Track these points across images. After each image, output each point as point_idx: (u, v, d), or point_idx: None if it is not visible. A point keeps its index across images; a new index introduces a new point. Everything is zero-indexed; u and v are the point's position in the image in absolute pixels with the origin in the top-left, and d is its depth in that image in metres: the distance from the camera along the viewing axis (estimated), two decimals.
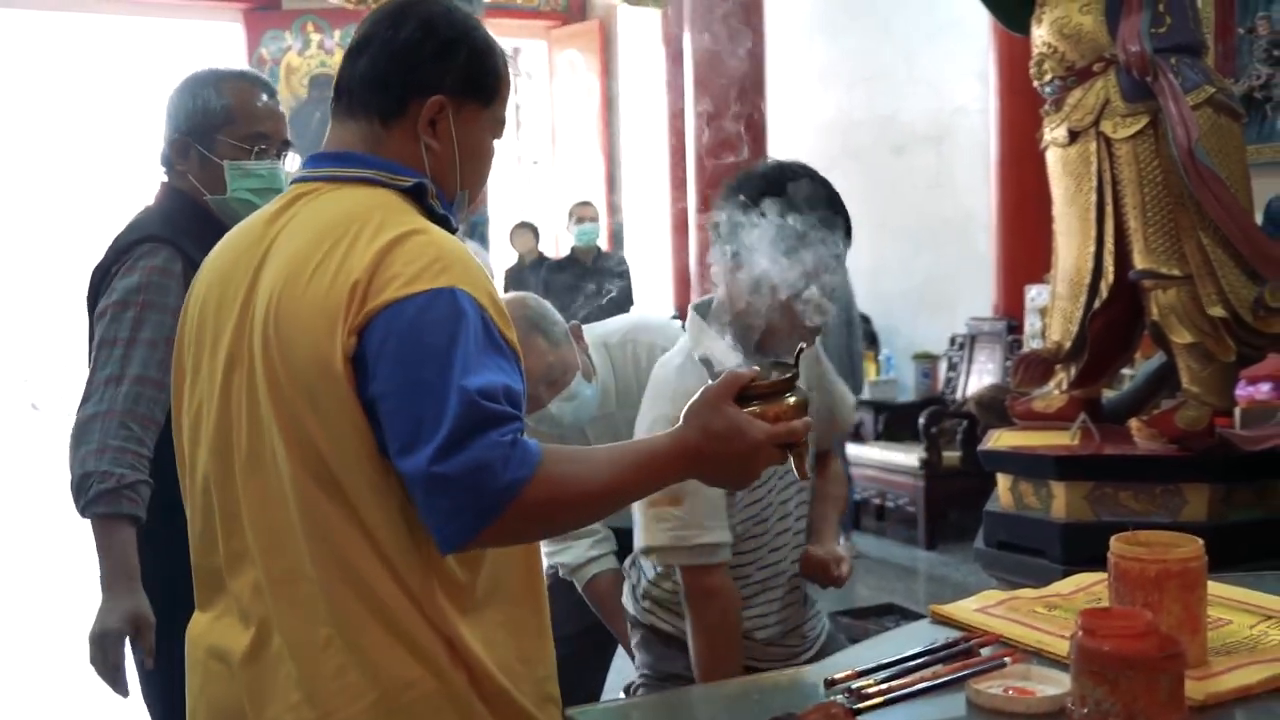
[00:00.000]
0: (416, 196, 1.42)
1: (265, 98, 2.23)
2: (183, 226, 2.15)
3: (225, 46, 10.20)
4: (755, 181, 1.98)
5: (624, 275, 6.62)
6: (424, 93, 1.43)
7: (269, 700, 1.36)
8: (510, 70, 1.54)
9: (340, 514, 1.33)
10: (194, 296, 1.51)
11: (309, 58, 9.56)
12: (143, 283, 2.05)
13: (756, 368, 1.38)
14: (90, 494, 1.89)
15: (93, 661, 1.93)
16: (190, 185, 2.20)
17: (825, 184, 2.08)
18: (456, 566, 1.36)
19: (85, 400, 1.98)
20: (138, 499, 1.91)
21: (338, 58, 9.43)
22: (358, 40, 1.47)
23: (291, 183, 1.49)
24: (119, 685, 1.95)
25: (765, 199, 1.89)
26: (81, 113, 15.65)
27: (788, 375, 1.37)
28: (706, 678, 1.79)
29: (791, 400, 1.35)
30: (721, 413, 1.33)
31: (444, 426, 1.24)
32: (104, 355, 2.00)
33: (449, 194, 1.48)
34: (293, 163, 2.21)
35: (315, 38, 9.54)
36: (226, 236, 1.55)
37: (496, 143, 1.54)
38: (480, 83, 1.47)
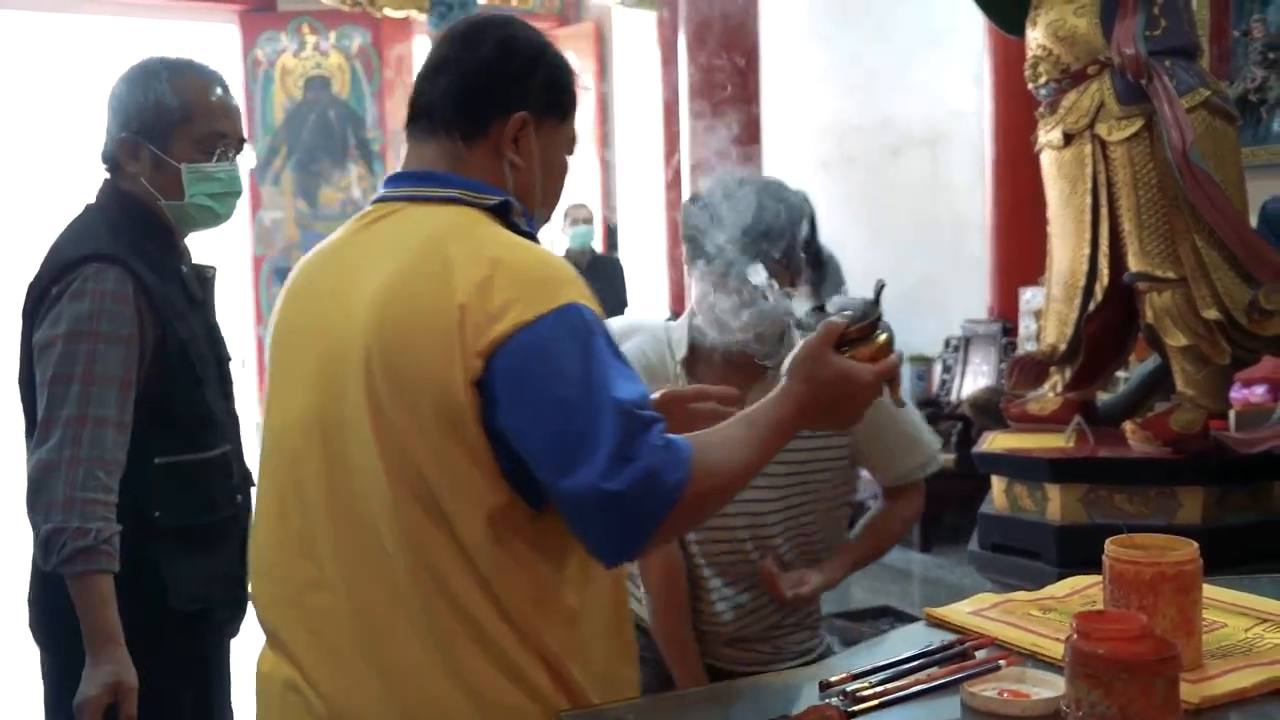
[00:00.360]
0: (502, 214, 1.42)
1: (220, 92, 2.06)
2: (131, 239, 1.96)
3: (220, 48, 10.20)
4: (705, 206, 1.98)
5: (619, 277, 6.61)
6: (506, 110, 1.45)
7: None
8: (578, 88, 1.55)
9: (442, 538, 1.32)
10: (280, 317, 1.51)
11: (304, 59, 9.55)
12: (94, 310, 1.85)
13: (847, 313, 1.44)
14: (65, 552, 1.75)
15: None
16: (141, 189, 2.01)
17: (772, 205, 1.97)
18: (564, 588, 1.37)
19: (42, 442, 1.80)
20: (113, 551, 1.80)
21: (333, 59, 9.48)
22: (435, 61, 1.47)
23: (373, 202, 1.49)
24: None
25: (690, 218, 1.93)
26: (75, 116, 15.64)
27: (874, 317, 1.45)
28: (655, 634, 1.87)
29: (882, 339, 1.45)
30: (826, 362, 1.41)
31: (605, 443, 1.25)
32: (60, 392, 1.81)
33: (530, 210, 1.49)
34: (248, 160, 2.09)
35: (311, 39, 9.53)
36: (309, 257, 1.53)
37: (569, 159, 1.56)
38: (558, 99, 1.50)
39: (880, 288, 1.49)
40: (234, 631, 2.13)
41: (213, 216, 2.07)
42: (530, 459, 1.30)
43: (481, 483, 1.32)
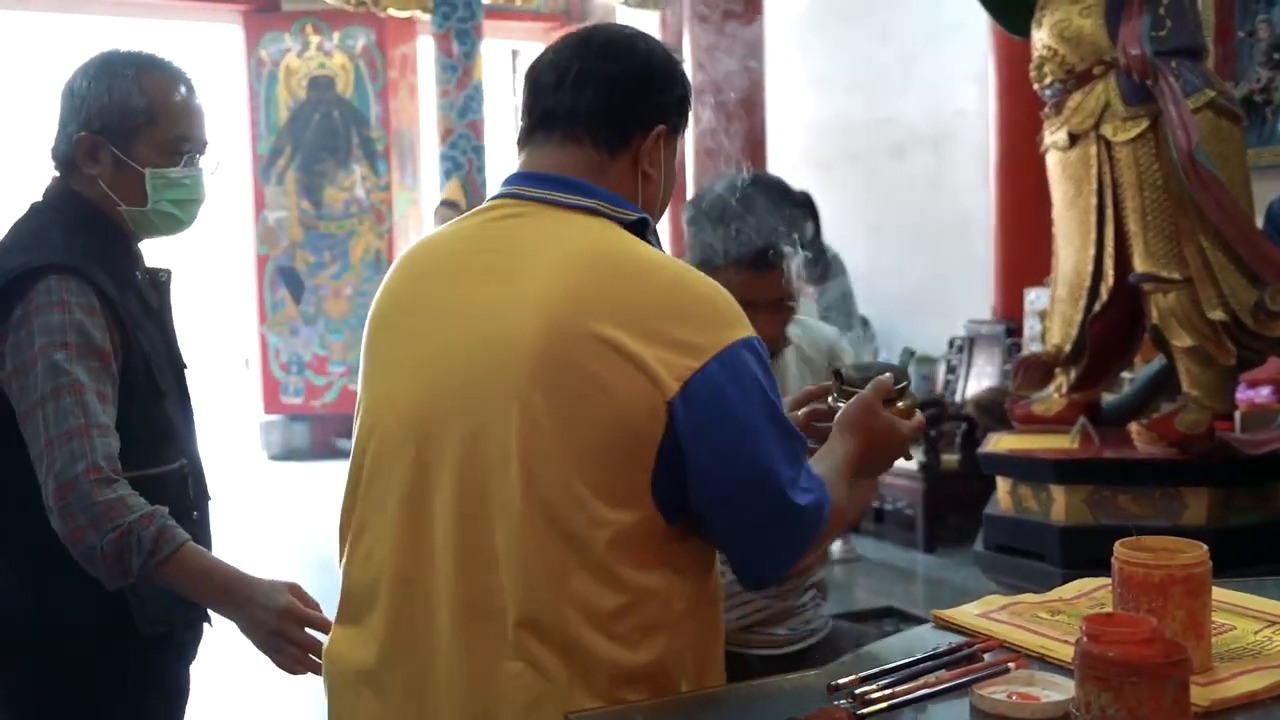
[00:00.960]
0: (638, 229, 1.43)
1: (186, 92, 1.92)
2: (86, 245, 1.82)
3: (224, 48, 10.21)
4: (693, 202, 2.04)
5: None
6: (649, 124, 1.47)
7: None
8: None
9: (565, 549, 1.33)
10: (398, 293, 1.49)
11: (308, 59, 9.56)
12: (65, 322, 1.72)
13: (889, 375, 1.60)
14: (146, 545, 1.66)
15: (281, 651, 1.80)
16: (99, 192, 1.87)
17: (779, 200, 2.04)
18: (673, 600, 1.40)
19: (53, 464, 1.66)
20: (176, 526, 1.72)
21: (336, 59, 9.49)
22: (570, 71, 1.45)
23: (500, 196, 1.47)
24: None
25: (691, 220, 1.99)
26: None
27: (905, 382, 1.64)
28: None
29: (909, 401, 1.63)
30: (880, 415, 1.55)
31: (791, 465, 1.37)
32: (54, 409, 1.67)
33: (655, 218, 1.50)
34: (211, 163, 1.96)
35: (314, 40, 9.54)
36: (435, 240, 1.53)
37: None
38: (686, 111, 1.53)
39: (910, 355, 1.59)
40: (193, 655, 2.04)
41: (175, 223, 1.95)
42: (703, 480, 1.35)
43: (628, 498, 1.34)
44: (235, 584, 1.78)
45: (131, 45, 1.95)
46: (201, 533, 1.97)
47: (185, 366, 2.04)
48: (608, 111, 1.45)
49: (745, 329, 1.37)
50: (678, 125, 1.52)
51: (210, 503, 2.05)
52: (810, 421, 1.68)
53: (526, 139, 1.50)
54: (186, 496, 1.95)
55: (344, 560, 1.51)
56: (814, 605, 2.26)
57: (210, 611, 1.97)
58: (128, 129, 1.85)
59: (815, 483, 1.41)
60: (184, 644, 2.01)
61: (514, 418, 1.32)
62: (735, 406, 1.33)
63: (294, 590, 1.83)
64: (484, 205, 1.49)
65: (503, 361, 1.33)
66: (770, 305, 2.02)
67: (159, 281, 2.03)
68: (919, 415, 1.62)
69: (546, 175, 1.45)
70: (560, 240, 1.39)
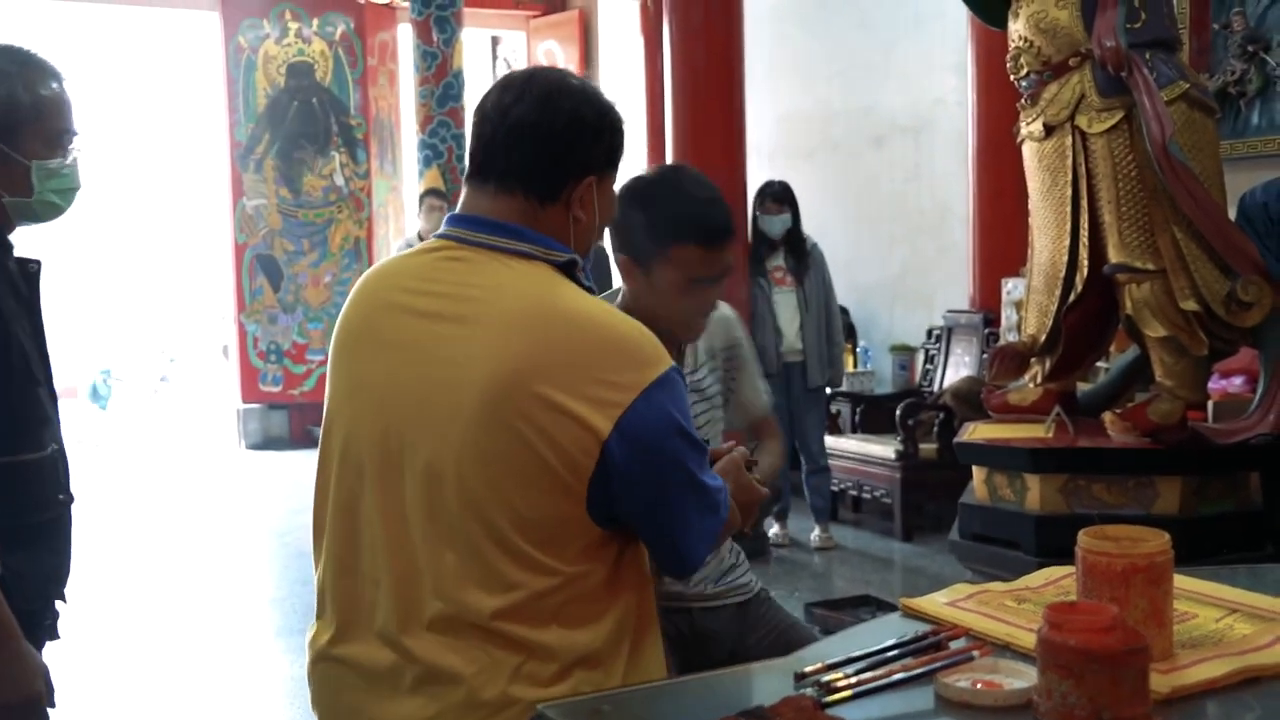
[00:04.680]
0: (568, 271, 1.57)
1: (61, 86, 2.02)
2: None
3: (201, 35, 10.14)
4: (640, 191, 2.12)
5: (605, 266, 6.60)
6: (578, 176, 1.59)
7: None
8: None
9: (496, 554, 1.48)
10: (356, 325, 1.64)
11: (286, 46, 9.51)
12: None
13: (744, 449, 1.88)
14: None
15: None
16: None
17: (701, 194, 2.12)
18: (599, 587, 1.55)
19: None
20: None
21: (315, 46, 9.44)
22: (503, 127, 1.57)
23: (444, 236, 1.61)
24: None
25: (642, 208, 2.07)
26: None
27: (755, 461, 1.96)
28: None
29: (758, 476, 1.90)
30: (744, 473, 1.80)
31: (710, 487, 1.58)
32: None
33: (584, 253, 1.64)
34: (82, 152, 2.05)
35: (293, 26, 9.49)
36: (385, 274, 1.66)
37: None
38: (617, 155, 1.65)
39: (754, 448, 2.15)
40: (54, 635, 2.11)
41: (55, 211, 2.04)
42: (635, 497, 1.51)
43: (567, 518, 1.50)
44: (7, 639, 1.81)
45: (10, 40, 2.02)
46: (65, 515, 2.07)
47: (49, 356, 2.12)
48: (538, 168, 1.57)
49: (664, 363, 1.51)
50: (607, 171, 1.64)
51: (73, 504, 2.13)
52: None
53: (468, 180, 1.64)
54: (58, 480, 2.04)
55: (316, 566, 1.68)
56: (740, 565, 2.41)
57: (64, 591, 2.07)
58: (13, 124, 1.93)
59: (718, 482, 1.62)
60: (48, 623, 2.07)
61: (463, 450, 1.47)
62: (659, 436, 1.50)
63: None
64: (429, 244, 1.63)
65: (454, 403, 1.48)
66: (718, 278, 2.12)
67: (29, 272, 2.07)
68: (764, 489, 1.89)
69: (485, 219, 1.58)
70: (503, 294, 1.52)
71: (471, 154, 1.63)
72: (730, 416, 2.43)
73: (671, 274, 2.05)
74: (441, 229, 1.63)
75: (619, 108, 1.66)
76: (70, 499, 2.09)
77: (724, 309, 2.35)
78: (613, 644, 1.55)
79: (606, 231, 2.10)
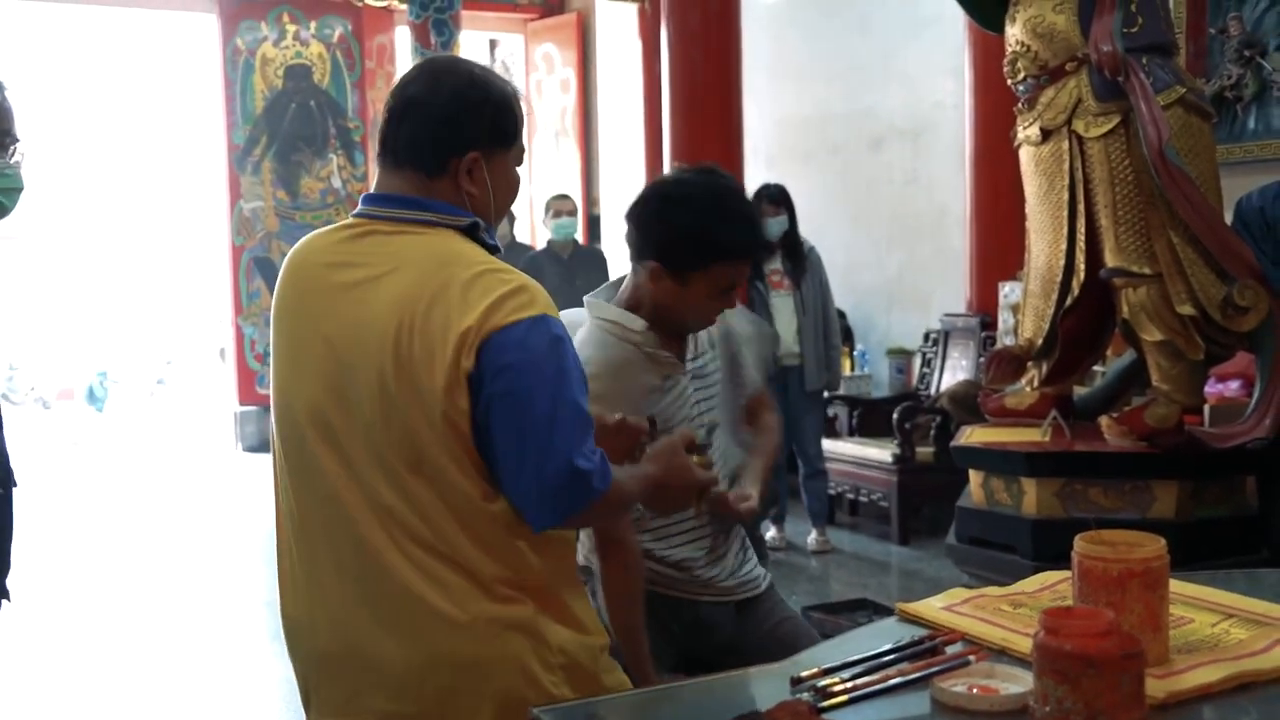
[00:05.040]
0: (470, 233, 1.70)
1: (6, 92, 2.15)
2: None
3: (199, 37, 10.13)
4: (681, 202, 2.20)
5: (602, 268, 6.60)
6: (460, 151, 1.70)
7: None
8: (523, 105, 1.81)
9: (438, 503, 1.63)
10: (285, 304, 1.76)
11: (284, 48, 9.51)
12: None
13: (692, 429, 1.98)
14: None
15: None
16: None
17: (728, 194, 2.22)
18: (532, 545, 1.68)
19: None
20: None
21: (313, 49, 9.44)
22: (398, 106, 1.72)
23: (357, 215, 1.74)
24: None
25: (686, 222, 2.15)
26: (54, 104, 15.52)
27: (706, 443, 2.11)
28: (613, 627, 2.02)
29: (706, 458, 1.97)
30: (680, 454, 1.86)
31: (574, 434, 1.61)
32: None
33: (489, 223, 1.75)
34: (25, 156, 2.15)
35: (291, 28, 9.48)
36: (305, 254, 1.78)
37: (520, 168, 1.83)
38: (504, 131, 1.75)
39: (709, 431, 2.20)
40: None
41: (2, 211, 2.13)
42: (498, 434, 1.59)
43: (470, 468, 1.61)
44: None
45: None
46: (6, 509, 2.15)
47: None
48: (423, 147, 1.70)
49: (545, 308, 1.63)
50: (494, 146, 1.74)
51: (16, 488, 2.21)
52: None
53: (377, 160, 1.77)
54: None
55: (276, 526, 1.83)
56: (750, 560, 2.42)
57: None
58: None
59: (598, 455, 1.64)
60: None
61: (377, 396, 1.61)
62: (522, 369, 1.59)
63: None
64: (345, 223, 1.76)
65: (369, 351, 1.62)
66: (738, 286, 2.23)
67: None
68: (713, 471, 1.97)
69: (389, 195, 1.73)
70: (408, 255, 1.66)
71: (379, 138, 1.76)
72: (733, 396, 2.48)
73: (708, 285, 2.15)
74: (357, 209, 1.76)
75: (510, 89, 1.77)
76: (9, 495, 2.15)
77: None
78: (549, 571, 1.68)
79: (624, 233, 2.25)
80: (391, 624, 1.63)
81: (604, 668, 1.72)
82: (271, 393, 1.78)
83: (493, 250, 1.73)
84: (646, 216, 2.22)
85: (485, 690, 1.62)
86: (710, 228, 2.12)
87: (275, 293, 1.79)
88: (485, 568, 1.63)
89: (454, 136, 1.70)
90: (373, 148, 9.43)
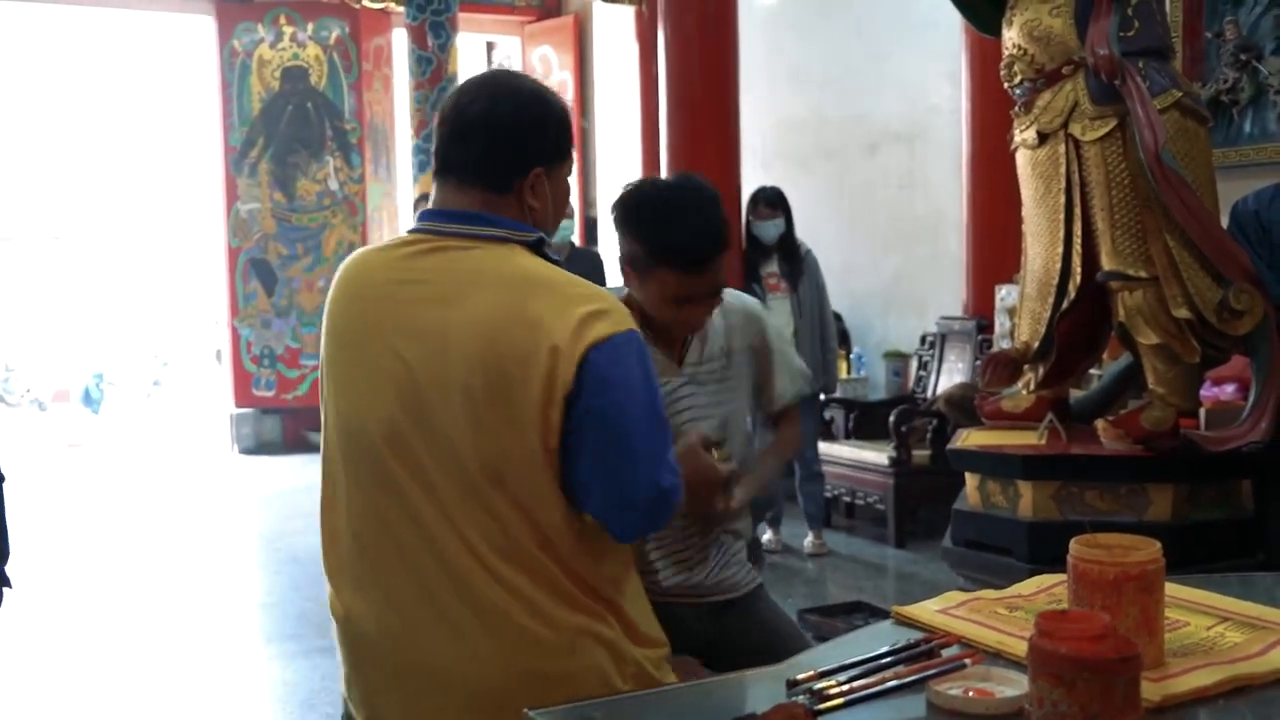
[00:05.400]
0: (537, 248, 1.73)
1: None
2: None
3: (196, 39, 10.13)
4: (632, 206, 2.24)
5: (598, 270, 6.61)
6: (525, 169, 1.74)
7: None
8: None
9: (523, 524, 1.66)
10: (347, 318, 1.76)
11: (281, 50, 9.50)
12: None
13: (707, 429, 2.03)
14: None
15: None
16: None
17: (698, 207, 2.23)
18: (613, 557, 1.75)
19: None
20: None
21: (310, 50, 9.44)
22: (460, 124, 1.73)
23: (417, 231, 1.75)
24: None
25: (633, 225, 2.20)
26: (50, 105, 15.51)
27: (722, 438, 2.14)
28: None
29: (724, 453, 2.04)
30: (701, 455, 1.94)
31: (661, 453, 1.68)
32: None
33: (548, 232, 1.80)
34: None
35: (288, 30, 9.48)
36: (366, 265, 1.79)
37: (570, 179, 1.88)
38: (563, 146, 1.80)
39: (719, 442, 2.15)
40: None
41: None
42: (589, 451, 1.62)
43: (548, 474, 1.64)
44: None
45: None
46: None
47: None
48: (490, 162, 1.73)
49: (628, 323, 1.67)
50: (554, 162, 1.78)
51: (4, 482, 2.26)
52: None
53: (435, 177, 1.79)
54: None
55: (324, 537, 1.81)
56: (731, 565, 2.40)
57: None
58: None
59: (674, 469, 1.71)
60: None
61: (462, 410, 1.62)
62: (619, 388, 1.63)
63: None
64: (403, 239, 1.77)
65: (451, 369, 1.63)
66: (704, 298, 2.21)
67: None
68: (731, 464, 2.05)
69: (453, 211, 1.74)
70: (482, 275, 1.68)
71: (435, 153, 1.78)
72: (773, 403, 2.52)
73: (658, 289, 2.17)
74: (414, 224, 1.78)
75: (564, 103, 1.82)
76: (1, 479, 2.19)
77: (749, 305, 2.46)
78: (620, 587, 1.73)
79: (614, 236, 2.25)
80: (475, 641, 1.64)
81: (665, 675, 1.77)
82: (331, 410, 1.77)
83: (555, 264, 1.76)
84: (614, 216, 2.28)
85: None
86: (648, 232, 2.16)
87: (332, 310, 1.79)
88: (566, 582, 1.66)
89: (520, 155, 1.73)
90: (369, 149, 9.53)
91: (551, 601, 1.64)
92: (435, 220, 1.75)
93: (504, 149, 1.73)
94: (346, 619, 1.76)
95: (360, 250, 1.84)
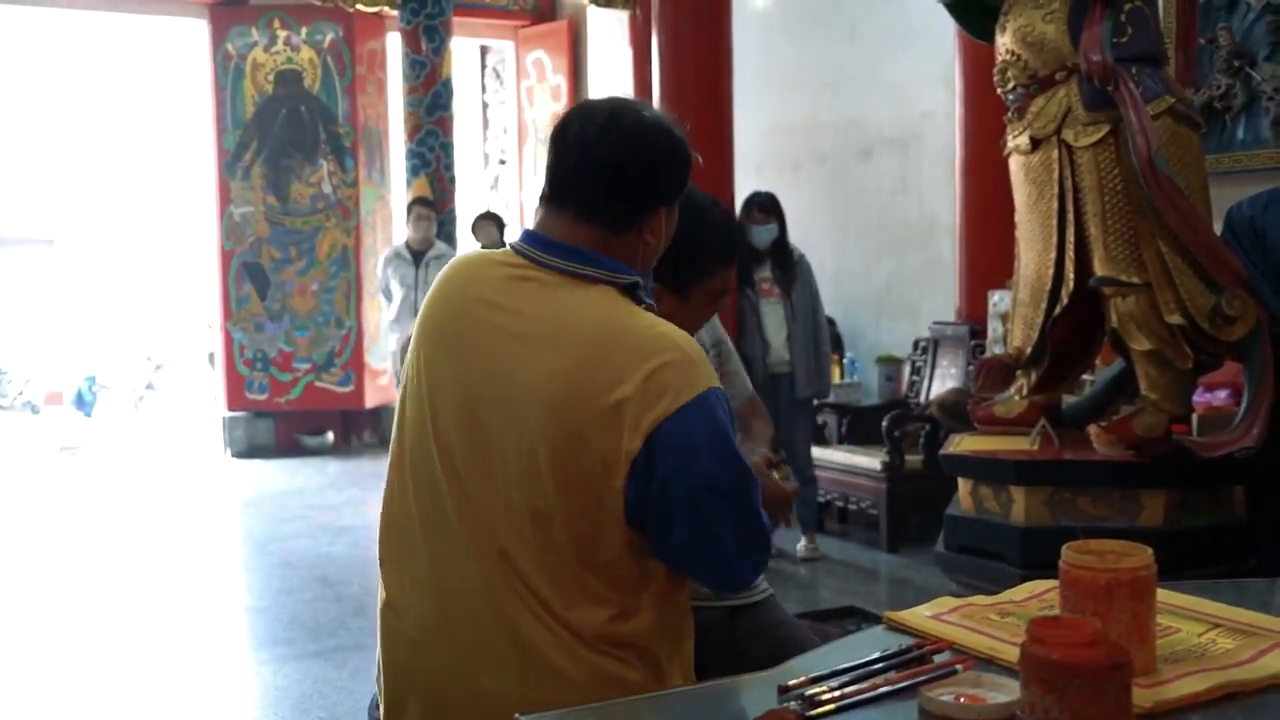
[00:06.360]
0: (631, 291, 1.71)
1: None
2: None
3: (189, 42, 10.12)
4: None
5: None
6: (653, 210, 1.73)
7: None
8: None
9: (563, 563, 1.66)
10: (440, 330, 1.75)
11: (275, 54, 9.49)
12: None
13: (766, 450, 2.06)
14: None
15: None
16: None
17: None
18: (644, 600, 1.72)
19: None
20: None
21: (304, 54, 9.43)
22: (586, 159, 1.69)
23: (520, 253, 1.72)
24: None
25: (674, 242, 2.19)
26: (44, 108, 15.49)
27: (781, 456, 2.14)
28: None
29: (782, 473, 2.07)
30: (767, 475, 1.96)
31: (752, 519, 1.68)
32: None
33: (651, 265, 1.81)
34: None
35: (281, 34, 9.47)
36: (461, 281, 1.77)
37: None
38: (683, 184, 1.78)
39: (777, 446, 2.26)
40: None
41: None
42: (681, 520, 1.62)
43: (610, 532, 1.64)
44: None
45: None
46: None
47: None
48: (618, 204, 1.70)
49: (707, 382, 1.63)
50: (675, 197, 1.77)
51: None
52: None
53: (546, 201, 1.75)
54: None
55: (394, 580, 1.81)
56: None
57: None
58: None
59: (768, 530, 1.72)
60: None
61: (524, 459, 1.63)
62: (692, 456, 1.61)
63: None
64: (505, 257, 1.75)
65: (519, 415, 1.63)
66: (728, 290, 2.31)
67: None
68: (793, 482, 2.09)
69: (560, 244, 1.71)
70: (570, 320, 1.66)
71: (550, 178, 1.74)
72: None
73: (704, 294, 2.22)
74: (517, 243, 1.74)
75: (685, 137, 1.77)
76: None
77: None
78: (655, 633, 1.69)
79: None
80: (502, 662, 1.66)
81: None
82: (408, 414, 1.77)
83: (649, 307, 1.74)
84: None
85: None
86: (698, 239, 2.15)
87: (428, 310, 1.78)
88: (602, 629, 1.65)
89: (648, 200, 1.72)
90: (363, 153, 9.53)
91: (576, 644, 1.64)
92: (536, 247, 1.72)
93: (632, 194, 1.71)
94: (388, 606, 1.78)
95: (471, 254, 1.84)
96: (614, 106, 1.74)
